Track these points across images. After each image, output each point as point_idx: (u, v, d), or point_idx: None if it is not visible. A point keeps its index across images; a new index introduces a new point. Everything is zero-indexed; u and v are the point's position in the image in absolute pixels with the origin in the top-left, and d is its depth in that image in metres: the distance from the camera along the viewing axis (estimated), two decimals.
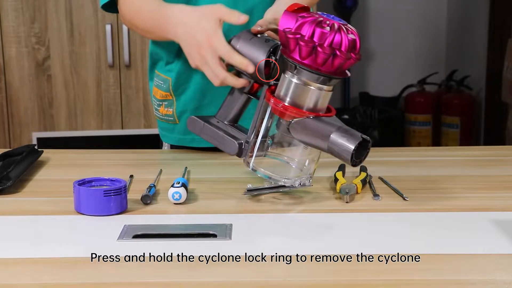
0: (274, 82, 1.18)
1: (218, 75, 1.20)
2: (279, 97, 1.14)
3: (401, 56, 4.52)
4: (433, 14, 4.49)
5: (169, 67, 1.50)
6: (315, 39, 1.08)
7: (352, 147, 1.08)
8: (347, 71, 1.13)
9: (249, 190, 1.20)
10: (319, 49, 1.08)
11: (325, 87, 1.12)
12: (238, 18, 1.22)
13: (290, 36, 1.09)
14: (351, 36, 1.10)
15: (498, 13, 3.92)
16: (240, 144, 1.20)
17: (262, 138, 1.18)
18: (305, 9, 1.13)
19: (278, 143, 1.19)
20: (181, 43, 1.27)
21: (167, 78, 1.49)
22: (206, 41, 1.20)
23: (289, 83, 1.13)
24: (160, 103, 1.53)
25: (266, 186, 1.21)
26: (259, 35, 1.22)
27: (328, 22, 1.09)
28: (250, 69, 1.18)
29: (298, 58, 1.10)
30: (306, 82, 1.12)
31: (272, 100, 1.15)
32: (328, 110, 1.16)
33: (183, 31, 1.25)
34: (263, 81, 1.19)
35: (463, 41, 4.31)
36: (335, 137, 1.09)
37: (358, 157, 1.10)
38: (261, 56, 1.19)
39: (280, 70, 1.17)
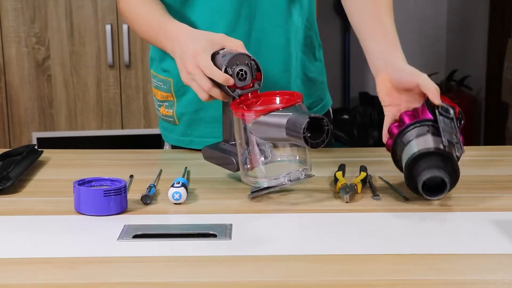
0: (241, 91, 1.20)
1: (203, 86, 1.21)
2: None
3: None
4: (433, 15, 4.49)
5: (165, 66, 1.49)
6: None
7: (301, 127, 1.07)
8: None
9: (253, 192, 1.20)
10: None
11: None
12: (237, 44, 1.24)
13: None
14: None
15: (498, 13, 3.92)
16: (236, 160, 1.21)
17: (244, 148, 1.18)
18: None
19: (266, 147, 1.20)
20: (176, 59, 1.28)
21: (167, 79, 1.49)
22: (192, 56, 1.22)
23: None
24: (161, 103, 1.53)
25: (266, 186, 1.20)
26: (220, 51, 1.22)
27: None
28: (230, 81, 1.19)
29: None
30: None
31: (232, 109, 1.18)
32: (294, 95, 1.18)
33: (179, 48, 1.27)
34: (230, 93, 1.21)
35: (463, 41, 4.31)
36: (288, 125, 1.10)
37: (316, 138, 1.09)
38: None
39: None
